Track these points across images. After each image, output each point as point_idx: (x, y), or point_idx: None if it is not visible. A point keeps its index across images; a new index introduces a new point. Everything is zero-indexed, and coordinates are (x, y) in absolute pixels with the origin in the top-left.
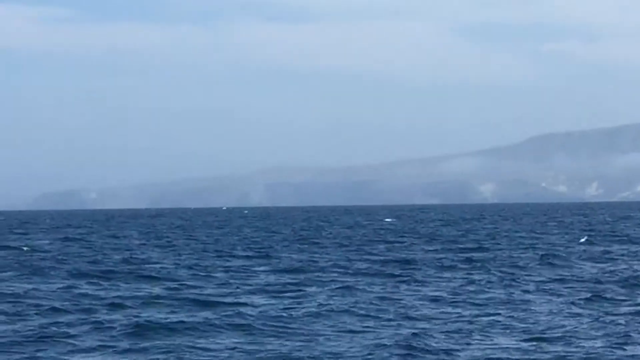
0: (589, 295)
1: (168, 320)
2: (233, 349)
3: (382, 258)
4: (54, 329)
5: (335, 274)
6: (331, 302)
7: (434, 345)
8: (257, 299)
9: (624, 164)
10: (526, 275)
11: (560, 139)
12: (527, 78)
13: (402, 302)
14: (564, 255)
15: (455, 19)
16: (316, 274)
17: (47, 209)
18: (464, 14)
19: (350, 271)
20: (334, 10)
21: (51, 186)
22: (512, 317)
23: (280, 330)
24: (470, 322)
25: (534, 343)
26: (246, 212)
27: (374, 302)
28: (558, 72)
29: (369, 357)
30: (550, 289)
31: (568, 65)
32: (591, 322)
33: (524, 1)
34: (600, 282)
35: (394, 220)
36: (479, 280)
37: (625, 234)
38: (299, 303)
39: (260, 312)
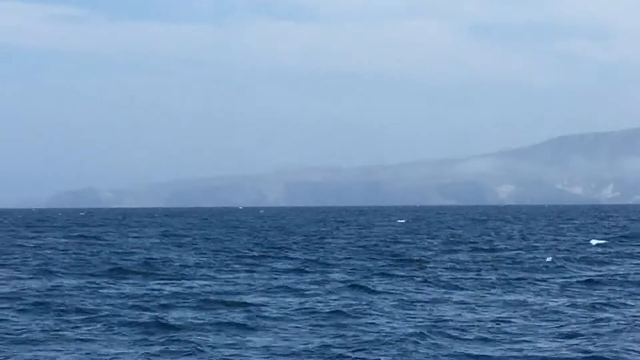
0: (614, 296)
1: (193, 319)
2: (264, 347)
3: (390, 258)
4: (80, 326)
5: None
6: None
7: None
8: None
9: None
10: (546, 277)
11: (577, 140)
12: (543, 79)
13: (424, 303)
14: (578, 257)
15: (470, 19)
16: (329, 273)
17: (63, 207)
18: (478, 14)
19: (360, 270)
20: (348, 10)
21: (68, 185)
22: (539, 318)
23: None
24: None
25: (567, 342)
26: (262, 211)
27: (392, 302)
28: (574, 73)
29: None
30: (574, 292)
31: (585, 66)
32: (613, 322)
33: (537, 2)
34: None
35: (406, 221)
36: (495, 281)
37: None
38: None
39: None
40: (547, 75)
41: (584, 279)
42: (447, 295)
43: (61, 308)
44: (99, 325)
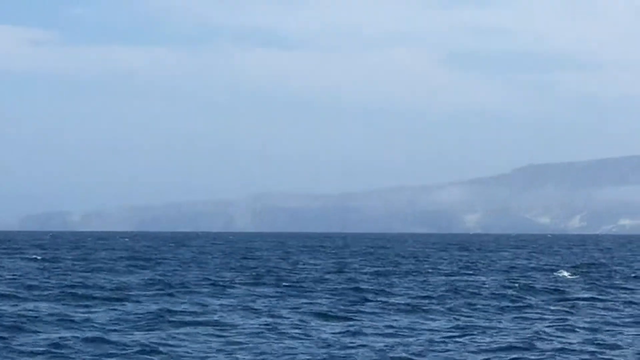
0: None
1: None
2: None
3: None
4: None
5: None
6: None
7: None
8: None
9: (608, 197)
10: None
11: (546, 170)
12: (515, 108)
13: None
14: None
15: (444, 48)
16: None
17: (31, 230)
18: (452, 43)
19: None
20: (324, 39)
21: (36, 208)
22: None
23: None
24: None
25: None
26: (231, 237)
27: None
28: (544, 103)
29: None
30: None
31: (554, 96)
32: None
33: (512, 31)
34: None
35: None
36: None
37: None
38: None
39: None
40: (519, 104)
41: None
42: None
43: None
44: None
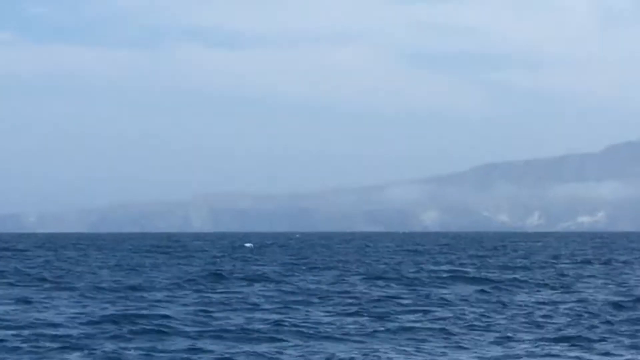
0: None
1: None
2: None
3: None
4: None
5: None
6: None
7: None
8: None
9: (565, 193)
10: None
11: (503, 168)
12: (470, 107)
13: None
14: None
15: (399, 46)
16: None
17: None
18: (407, 41)
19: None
20: (276, 37)
21: None
22: None
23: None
24: None
25: None
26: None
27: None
28: (501, 102)
29: None
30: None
31: (511, 94)
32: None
33: (468, 30)
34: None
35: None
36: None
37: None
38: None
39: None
40: (476, 103)
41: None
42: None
43: None
44: None
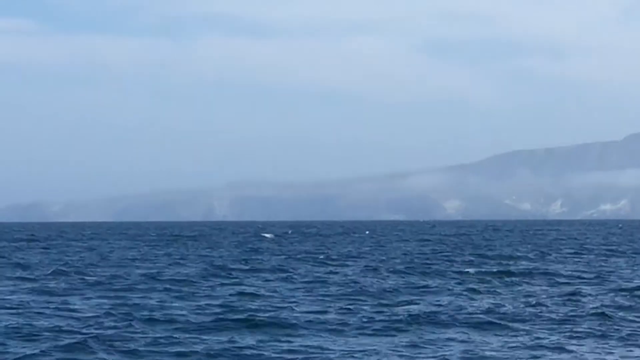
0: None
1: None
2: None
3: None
4: None
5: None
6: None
7: None
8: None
9: (588, 182)
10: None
11: (525, 156)
12: (492, 95)
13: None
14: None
15: (421, 35)
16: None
17: (10, 221)
18: (429, 30)
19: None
20: (298, 25)
21: (17, 198)
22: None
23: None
24: None
25: None
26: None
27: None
28: (523, 90)
29: None
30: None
31: (532, 83)
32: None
33: (489, 18)
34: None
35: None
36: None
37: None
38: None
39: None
40: (498, 91)
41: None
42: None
43: None
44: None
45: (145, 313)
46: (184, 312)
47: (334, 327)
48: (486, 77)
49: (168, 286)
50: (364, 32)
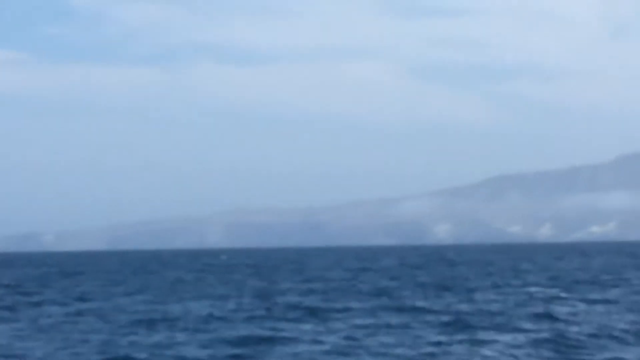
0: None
1: None
2: None
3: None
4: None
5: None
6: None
7: None
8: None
9: (577, 204)
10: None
11: (515, 179)
12: (481, 119)
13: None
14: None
15: (411, 61)
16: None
17: (7, 251)
18: (419, 55)
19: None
20: (287, 52)
21: (10, 228)
22: None
23: None
24: None
25: None
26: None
27: None
28: (512, 114)
29: None
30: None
31: (521, 106)
32: None
33: (477, 42)
34: None
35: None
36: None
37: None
38: None
39: None
40: (487, 115)
41: None
42: None
43: None
44: None
45: None
46: None
47: None
48: (476, 101)
49: None
50: (353, 59)
